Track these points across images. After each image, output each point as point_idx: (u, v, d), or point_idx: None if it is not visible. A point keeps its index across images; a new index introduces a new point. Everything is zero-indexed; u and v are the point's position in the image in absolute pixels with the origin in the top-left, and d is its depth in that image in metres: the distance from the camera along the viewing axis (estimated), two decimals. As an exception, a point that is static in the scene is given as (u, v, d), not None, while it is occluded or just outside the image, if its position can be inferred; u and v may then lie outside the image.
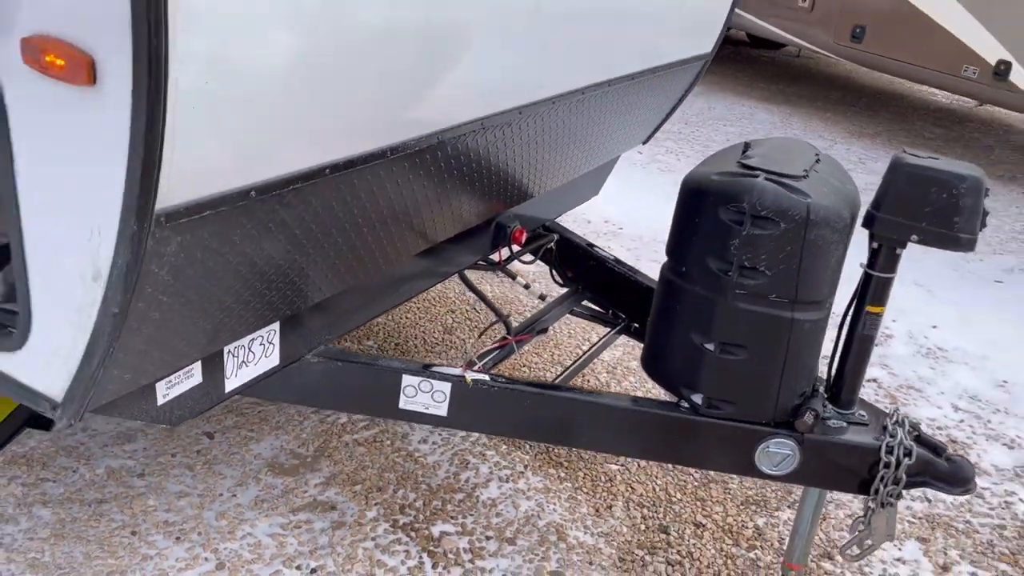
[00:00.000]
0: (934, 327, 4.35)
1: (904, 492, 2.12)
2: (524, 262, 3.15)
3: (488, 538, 2.69)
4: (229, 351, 1.91)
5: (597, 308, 3.07)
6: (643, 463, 3.11)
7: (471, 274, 3.10)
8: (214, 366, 1.90)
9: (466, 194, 2.32)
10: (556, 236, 3.10)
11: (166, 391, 1.78)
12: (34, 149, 1.33)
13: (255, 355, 2.01)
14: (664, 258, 2.22)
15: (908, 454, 2.08)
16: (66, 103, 1.24)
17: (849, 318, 2.14)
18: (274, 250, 1.64)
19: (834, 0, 7.75)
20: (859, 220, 2.06)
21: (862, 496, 2.19)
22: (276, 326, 2.03)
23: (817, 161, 2.14)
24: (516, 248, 2.90)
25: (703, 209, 2.03)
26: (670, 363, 2.22)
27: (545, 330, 2.91)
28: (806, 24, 8.09)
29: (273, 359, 2.08)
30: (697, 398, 2.17)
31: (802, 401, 2.17)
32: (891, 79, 10.34)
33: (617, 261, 3.04)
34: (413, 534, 2.67)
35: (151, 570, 2.44)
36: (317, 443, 3.04)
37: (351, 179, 1.69)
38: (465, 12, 1.78)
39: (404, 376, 2.19)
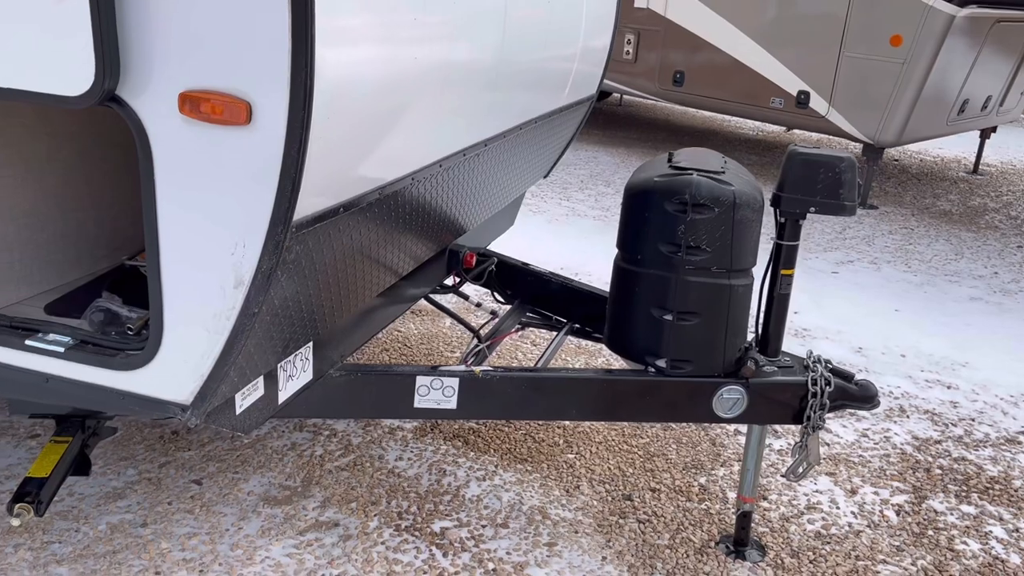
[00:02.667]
0: (795, 312, 5.11)
1: (827, 416, 2.67)
2: (473, 283, 3.54)
3: (484, 526, 3.02)
4: (281, 366, 2.19)
5: (541, 316, 3.50)
6: (595, 449, 3.54)
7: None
8: (271, 380, 2.17)
9: (443, 218, 2.72)
10: (495, 259, 3.52)
11: (241, 402, 2.03)
12: (178, 183, 1.61)
13: (297, 370, 2.28)
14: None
15: (828, 383, 2.64)
16: (221, 142, 1.55)
17: (767, 282, 2.70)
18: (352, 255, 1.97)
19: (653, 51, 8.77)
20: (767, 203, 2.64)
21: (796, 426, 2.73)
22: (311, 344, 2.32)
23: (725, 162, 2.71)
24: (466, 272, 3.29)
25: (651, 205, 2.53)
26: (633, 337, 2.68)
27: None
28: (632, 75, 9.08)
29: (308, 374, 2.36)
30: (661, 363, 2.64)
31: (741, 354, 2.69)
32: (704, 118, 11.65)
33: (553, 274, 3.50)
34: (417, 533, 2.95)
35: (186, 601, 2.58)
36: (302, 475, 3.25)
37: (409, 191, 2.07)
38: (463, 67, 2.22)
39: (418, 378, 2.52)
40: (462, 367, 2.57)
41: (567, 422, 3.72)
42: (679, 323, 2.57)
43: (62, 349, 1.80)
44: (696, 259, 2.50)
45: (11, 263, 2.06)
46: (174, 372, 1.74)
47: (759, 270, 2.71)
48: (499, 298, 3.62)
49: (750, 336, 2.77)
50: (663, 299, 2.56)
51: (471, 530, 2.99)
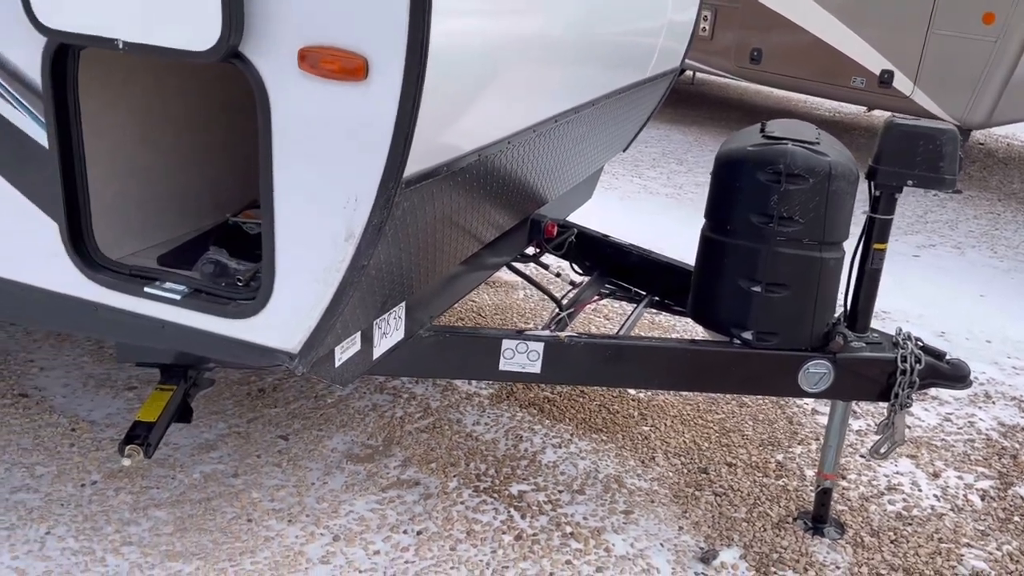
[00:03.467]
0: (875, 295, 5.01)
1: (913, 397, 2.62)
2: (553, 253, 3.57)
3: (560, 492, 3.06)
4: (377, 324, 2.25)
5: (620, 287, 3.51)
6: (669, 423, 3.55)
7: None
8: (367, 336, 2.23)
9: (529, 185, 2.74)
10: (575, 230, 3.54)
11: (341, 355, 2.10)
12: (295, 138, 1.67)
13: (391, 328, 2.34)
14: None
15: (918, 360, 2.60)
16: (338, 97, 1.60)
17: (859, 256, 2.65)
18: (447, 217, 2.01)
19: (731, 28, 8.61)
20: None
21: (883, 403, 2.69)
22: (404, 304, 2.38)
23: (819, 134, 2.67)
24: (547, 241, 3.32)
25: (742, 174, 2.51)
26: (719, 308, 2.67)
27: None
28: (708, 52, 8.92)
29: (400, 333, 2.42)
30: (747, 335, 2.62)
31: (829, 328, 2.66)
32: (779, 98, 11.40)
33: (632, 246, 3.50)
34: (495, 495, 3.01)
35: (276, 547, 2.68)
36: (383, 435, 3.33)
37: (505, 155, 2.10)
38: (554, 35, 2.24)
39: (504, 341, 2.56)
40: (547, 332, 2.60)
41: (641, 394, 3.73)
42: (768, 295, 2.55)
43: (178, 297, 1.89)
44: (788, 230, 2.48)
45: (128, 217, 2.16)
46: (283, 321, 1.81)
47: (850, 244, 2.67)
48: (577, 269, 3.64)
49: (838, 311, 2.74)
50: (752, 270, 2.55)
51: (548, 494, 3.03)
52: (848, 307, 2.71)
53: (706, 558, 2.74)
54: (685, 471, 3.24)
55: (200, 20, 1.60)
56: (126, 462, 2.23)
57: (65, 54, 1.81)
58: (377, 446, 3.26)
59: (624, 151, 4.17)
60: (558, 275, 3.54)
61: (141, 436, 2.27)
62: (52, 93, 1.82)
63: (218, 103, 2.48)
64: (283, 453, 3.18)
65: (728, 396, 3.78)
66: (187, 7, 1.61)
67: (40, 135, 1.89)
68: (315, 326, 1.78)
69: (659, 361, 2.64)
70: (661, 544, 2.83)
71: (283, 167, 1.69)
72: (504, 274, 4.52)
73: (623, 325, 3.12)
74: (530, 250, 3.36)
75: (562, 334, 2.56)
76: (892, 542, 2.91)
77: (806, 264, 2.52)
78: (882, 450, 2.72)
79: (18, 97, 1.86)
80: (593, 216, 5.83)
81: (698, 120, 9.75)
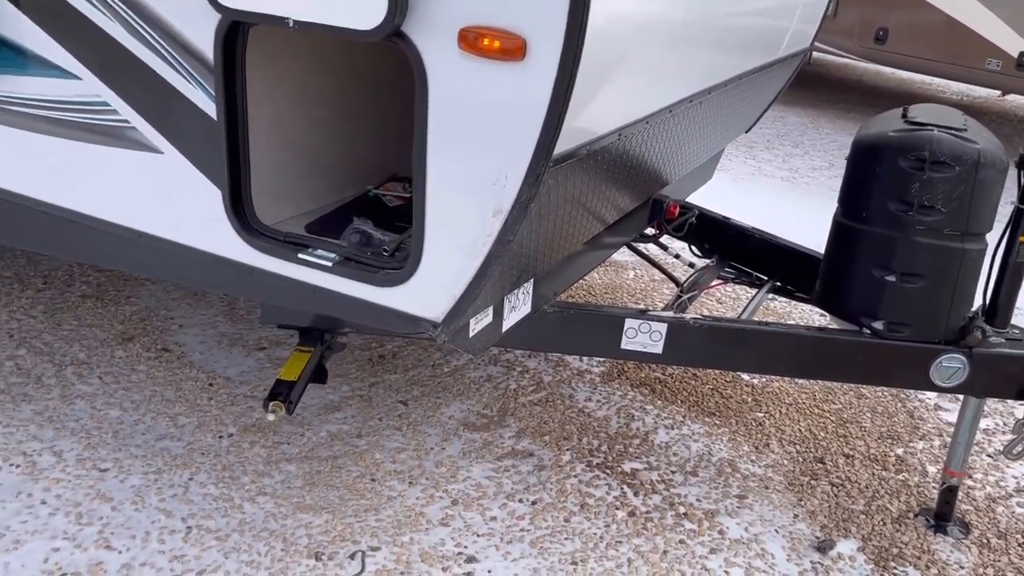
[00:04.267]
0: None
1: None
2: (672, 234, 3.56)
3: (673, 472, 3.08)
4: (507, 297, 2.31)
5: (741, 271, 3.48)
6: (784, 410, 3.50)
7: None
8: (498, 309, 2.29)
9: (657, 165, 2.74)
10: (696, 211, 3.51)
11: (475, 326, 2.17)
12: (450, 115, 1.73)
13: (519, 302, 2.40)
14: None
15: (1062, 359, 2.49)
16: (495, 76, 1.65)
17: (1003, 248, 2.55)
18: (582, 195, 2.05)
19: (855, 6, 8.27)
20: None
21: (1019, 402, 2.59)
22: (532, 280, 2.43)
23: (966, 120, 2.57)
24: (667, 222, 3.31)
25: (883, 160, 2.45)
26: (849, 296, 2.62)
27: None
28: (829, 31, 8.59)
29: (527, 307, 2.47)
30: (878, 324, 2.57)
31: (966, 322, 2.58)
32: (900, 80, 10.89)
33: (755, 229, 3.45)
34: (608, 471, 3.05)
35: (398, 506, 2.81)
36: (498, 405, 3.42)
37: (641, 135, 2.12)
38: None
39: (627, 320, 2.59)
40: (671, 313, 2.61)
41: (755, 380, 3.69)
42: (902, 285, 2.49)
43: (330, 264, 2.00)
44: (928, 219, 2.41)
45: (280, 186, 2.29)
46: (429, 291, 1.89)
47: (993, 236, 2.57)
48: (696, 251, 3.62)
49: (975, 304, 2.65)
50: (887, 259, 2.49)
51: (661, 474, 3.06)
52: (988, 301, 2.62)
53: (823, 547, 2.71)
54: (800, 460, 3.20)
55: (367, 0, 1.68)
56: (271, 417, 2.37)
57: (236, 32, 1.93)
58: (492, 416, 3.35)
59: (746, 132, 4.10)
60: (677, 256, 3.53)
61: (283, 393, 2.41)
62: (223, 68, 1.94)
63: (361, 79, 2.58)
64: (403, 418, 3.30)
65: (845, 386, 3.70)
66: (356, -11, 1.69)
67: (210, 107, 2.02)
68: (459, 297, 1.86)
69: (784, 348, 2.61)
70: (776, 531, 2.82)
71: (437, 144, 1.76)
72: (615, 254, 4.51)
73: (744, 310, 3.10)
74: (649, 230, 3.36)
75: (687, 316, 2.57)
76: (1021, 545, 2.81)
77: (945, 255, 2.44)
78: (1016, 450, 2.63)
79: (193, 72, 1.99)
80: (703, 198, 5.76)
81: (815, 102, 9.45)
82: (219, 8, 1.86)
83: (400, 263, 1.95)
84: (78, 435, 3.02)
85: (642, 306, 4.28)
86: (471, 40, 1.64)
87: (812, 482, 3.08)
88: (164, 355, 3.58)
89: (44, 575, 2.42)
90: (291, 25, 1.79)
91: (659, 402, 3.51)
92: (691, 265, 3.50)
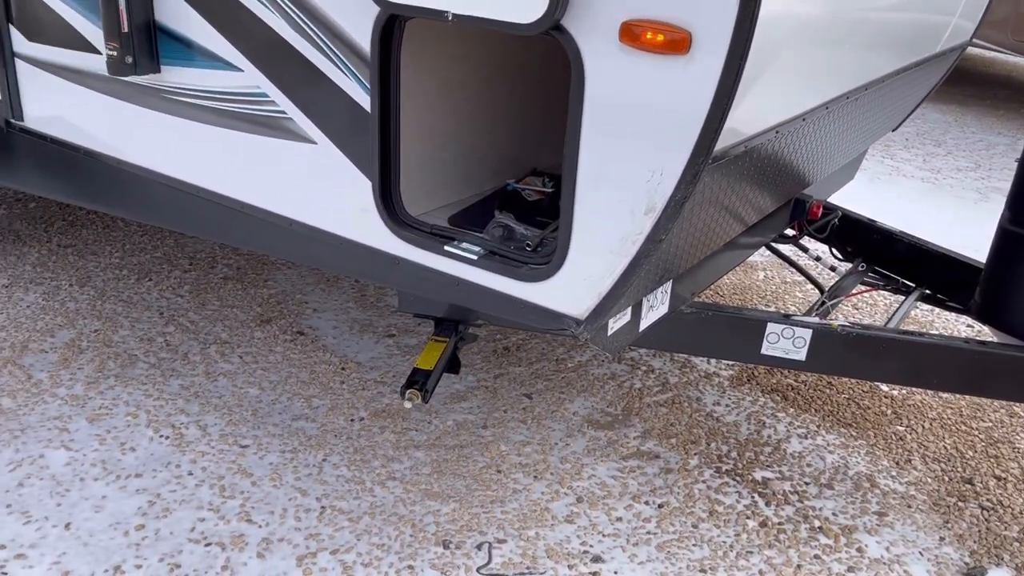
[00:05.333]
0: None
1: None
2: (813, 236, 3.42)
3: (807, 483, 2.96)
4: (646, 297, 2.26)
5: (886, 277, 3.30)
6: (928, 425, 3.31)
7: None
8: (636, 308, 2.25)
9: (806, 164, 2.63)
10: (839, 212, 3.36)
11: (613, 325, 2.13)
12: (606, 110, 1.70)
13: (657, 302, 2.35)
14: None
15: None
16: (656, 70, 1.61)
17: None
18: (730, 193, 1.98)
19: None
20: None
21: None
22: (671, 280, 2.37)
23: None
24: (809, 223, 3.17)
25: (1062, 165, 2.26)
26: (1017, 309, 2.44)
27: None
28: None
29: (664, 307, 2.42)
30: (1047, 340, 2.38)
31: None
32: (1058, 76, 10.12)
33: (903, 233, 3.27)
34: (738, 479, 2.96)
35: (523, 500, 2.81)
36: (622, 404, 3.38)
37: (797, 133, 2.04)
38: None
39: (769, 324, 2.49)
40: (816, 319, 2.50)
41: (895, 391, 3.51)
42: (1078, 299, 2.29)
43: (475, 257, 2.01)
44: (1113, 229, 2.21)
45: (425, 178, 2.32)
46: (574, 288, 1.87)
47: None
48: (837, 254, 3.46)
49: None
50: (1061, 270, 2.30)
51: (794, 485, 2.94)
52: None
53: (973, 575, 2.55)
54: (946, 479, 3.02)
55: (529, -7, 1.67)
56: (407, 404, 2.41)
57: (393, 25, 1.96)
58: (617, 414, 3.31)
59: (893, 131, 3.89)
60: (818, 259, 3.38)
61: (420, 382, 2.44)
62: (379, 61, 1.97)
63: (502, 72, 2.58)
64: (527, 411, 3.31)
65: (995, 403, 3.47)
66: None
67: (364, 100, 2.06)
68: (605, 295, 1.83)
69: (940, 361, 2.46)
70: (920, 553, 2.66)
71: (591, 138, 1.73)
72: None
73: (891, 318, 2.94)
74: (789, 231, 3.24)
75: (834, 322, 2.46)
76: None
77: None
78: None
79: (349, 65, 2.04)
80: (836, 199, 5.52)
81: (959, 98, 8.90)
82: (379, 2, 1.89)
83: (544, 258, 1.93)
84: (221, 411, 3.17)
85: (777, 309, 4.14)
86: (633, 34, 1.60)
87: (959, 504, 2.89)
88: (299, 338, 3.71)
89: (190, 543, 2.55)
90: (449, 18, 1.80)
91: (792, 410, 3.38)
92: (832, 269, 3.35)
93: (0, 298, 3.83)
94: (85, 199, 2.95)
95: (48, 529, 2.55)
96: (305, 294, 4.07)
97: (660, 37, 1.57)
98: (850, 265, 3.36)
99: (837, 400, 3.45)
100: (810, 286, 4.45)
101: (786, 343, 2.50)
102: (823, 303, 2.95)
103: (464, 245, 2.05)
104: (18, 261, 4.19)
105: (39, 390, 3.22)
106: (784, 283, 4.52)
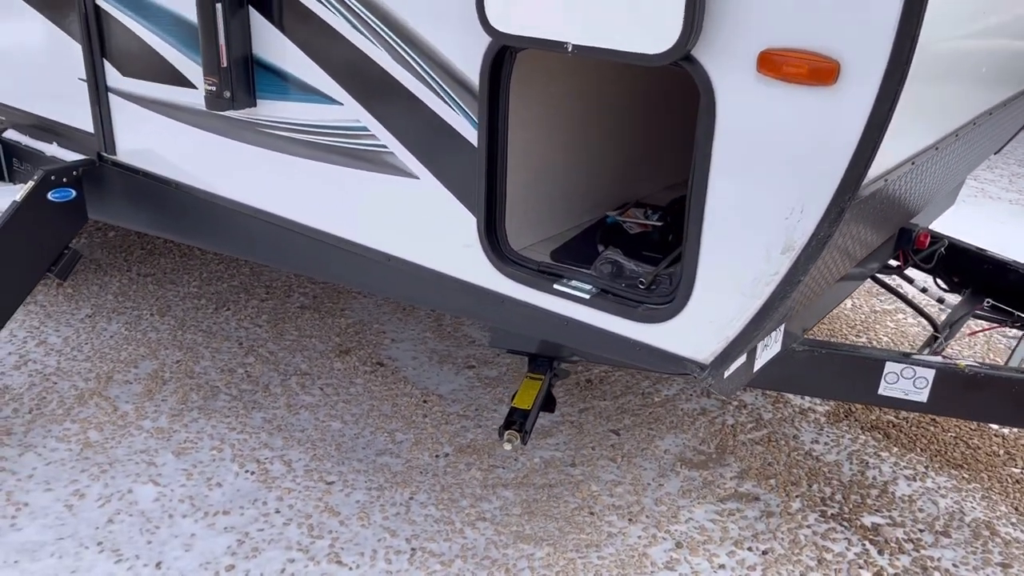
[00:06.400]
0: None
1: None
2: (920, 266, 3.25)
3: (921, 530, 2.78)
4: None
5: (1000, 309, 3.12)
6: (1045, 467, 3.11)
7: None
8: (751, 349, 2.13)
9: (921, 192, 2.48)
10: (945, 241, 3.19)
11: (730, 367, 2.01)
12: (739, 143, 1.60)
13: (771, 341, 2.23)
14: None
15: None
16: (798, 102, 1.50)
17: None
18: (862, 224, 1.85)
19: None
20: None
21: None
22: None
23: None
24: (915, 252, 3.01)
25: None
26: None
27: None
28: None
29: (777, 346, 2.29)
30: None
31: None
32: None
33: (1016, 263, 3.09)
34: (846, 524, 2.80)
35: (620, 545, 2.69)
36: (715, 442, 3.24)
37: (929, 163, 1.91)
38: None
39: (887, 363, 2.34)
40: (939, 358, 2.35)
41: (1006, 430, 3.30)
42: None
43: (587, 296, 1.92)
44: None
45: (528, 212, 2.24)
46: (698, 331, 1.77)
47: None
48: (942, 284, 3.28)
49: None
50: None
51: (907, 532, 2.77)
52: None
53: (1117, 638, 2.34)
54: (1072, 528, 2.81)
55: (659, 23, 1.58)
56: (507, 447, 2.32)
57: (503, 57, 1.89)
58: (710, 453, 3.17)
59: (996, 153, 3.71)
60: (924, 290, 3.21)
61: (518, 422, 2.35)
62: (488, 94, 1.90)
63: (605, 102, 2.50)
64: (616, 448, 3.19)
65: (1118, 444, 3.24)
66: (647, 11, 1.60)
67: (470, 133, 1.99)
68: (733, 339, 1.72)
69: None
70: (1054, 610, 2.47)
71: (721, 173, 1.63)
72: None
73: (1011, 355, 2.76)
74: (892, 261, 3.08)
75: (960, 362, 2.30)
76: None
77: None
78: None
79: (455, 98, 1.98)
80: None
81: (1042, 115, 8.55)
82: (491, 32, 1.82)
83: (663, 298, 1.83)
84: (304, 445, 3.12)
85: (868, 340, 3.96)
86: (773, 63, 1.50)
87: (1090, 555, 2.69)
88: (379, 369, 3.65)
89: (282, 585, 2.49)
90: (569, 50, 1.72)
91: (895, 448, 3.21)
92: (940, 301, 3.18)
93: (84, 328, 3.86)
94: (178, 233, 2.94)
95: (140, 568, 2.52)
96: (382, 323, 4.03)
97: (804, 67, 1.47)
98: (958, 296, 3.18)
99: (943, 439, 3.27)
100: (902, 315, 4.27)
101: (906, 383, 2.35)
102: (936, 338, 2.79)
103: (574, 283, 1.96)
104: (100, 290, 4.23)
105: (125, 423, 3.21)
106: (873, 312, 4.34)
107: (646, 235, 2.37)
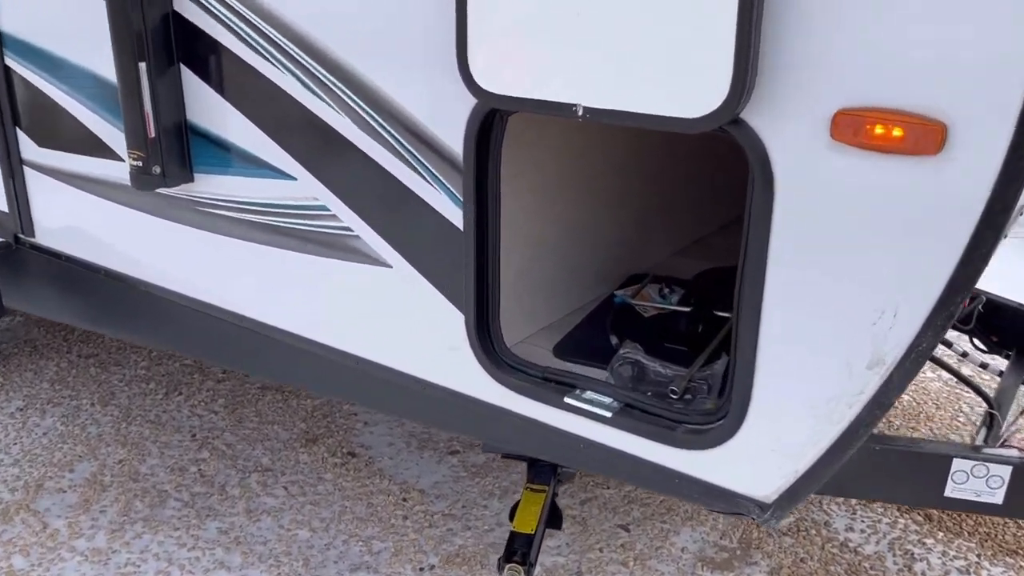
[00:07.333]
0: None
1: None
2: (960, 327, 2.92)
3: (987, 639, 2.41)
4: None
5: (1050, 375, 2.78)
6: (1109, 550, 2.75)
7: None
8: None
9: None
10: (983, 297, 2.86)
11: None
12: (808, 225, 1.25)
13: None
14: None
15: None
16: (886, 174, 1.15)
17: None
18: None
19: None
20: None
21: None
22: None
23: None
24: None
25: None
26: None
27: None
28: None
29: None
30: None
31: None
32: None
33: (1065, 321, 2.76)
34: (900, 636, 2.42)
35: None
36: (738, 534, 2.85)
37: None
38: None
39: (955, 460, 1.98)
40: (1015, 451, 1.99)
41: (1057, 506, 2.95)
42: None
43: (608, 414, 1.53)
44: None
45: (519, 297, 1.86)
46: (756, 461, 1.39)
47: None
48: (980, 345, 2.94)
49: None
50: None
51: (972, 642, 2.39)
52: None
53: None
54: None
55: (699, 79, 1.23)
56: (508, 584, 1.91)
57: (492, 121, 1.53)
58: (734, 549, 2.78)
59: None
60: (964, 355, 2.87)
61: (520, 551, 1.95)
62: (475, 167, 1.53)
63: (603, 166, 2.14)
64: (627, 548, 2.79)
65: None
66: (683, 63, 1.24)
67: (453, 213, 1.62)
68: (804, 472, 1.35)
69: None
70: None
71: (783, 264, 1.27)
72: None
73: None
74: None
75: (1042, 457, 1.94)
76: None
77: None
78: None
79: (434, 171, 1.61)
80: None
81: None
82: (477, 92, 1.46)
83: (705, 417, 1.45)
84: (267, 562, 2.69)
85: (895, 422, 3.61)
86: (852, 127, 1.15)
87: None
88: (351, 461, 3.23)
89: None
90: (579, 114, 1.36)
91: (940, 534, 2.84)
92: (983, 366, 2.84)
93: (14, 425, 3.40)
94: (110, 327, 2.54)
95: None
96: (353, 405, 3.60)
97: (896, 130, 1.12)
98: (1001, 359, 2.84)
99: (990, 520, 2.90)
100: (942, 383, 3.90)
101: (977, 483, 1.99)
102: (993, 416, 2.43)
103: (590, 395, 1.58)
104: (35, 378, 3.77)
105: (56, 543, 2.76)
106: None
107: (666, 319, 2.00)
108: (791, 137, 1.22)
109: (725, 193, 2.97)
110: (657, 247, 2.42)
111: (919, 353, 1.20)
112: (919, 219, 1.16)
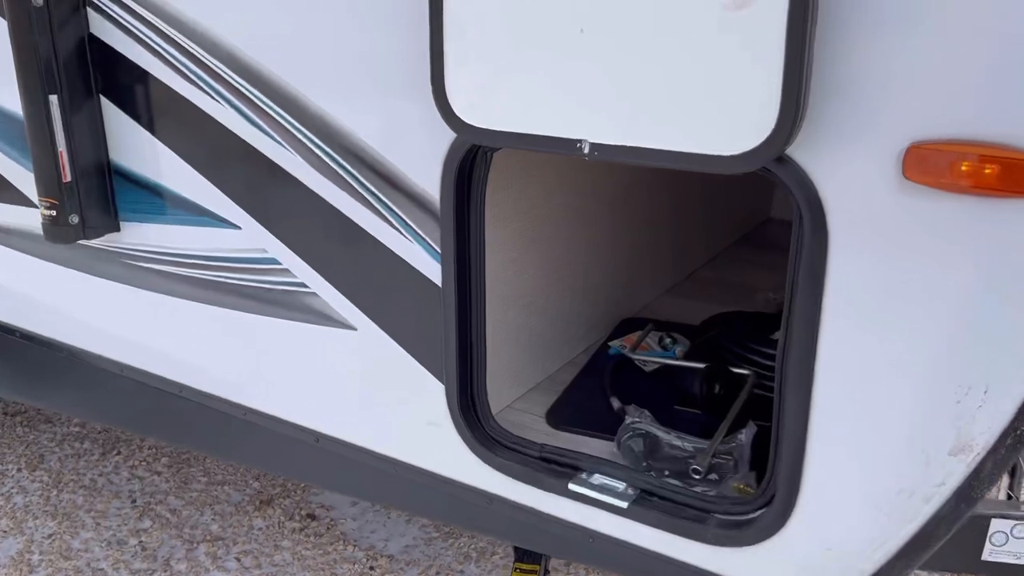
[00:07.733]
0: None
1: None
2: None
3: None
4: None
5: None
6: None
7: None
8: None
9: None
10: None
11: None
12: (871, 279, 1.02)
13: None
14: None
15: None
16: (976, 219, 0.93)
17: None
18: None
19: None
20: None
21: None
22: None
23: None
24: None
25: None
26: None
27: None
28: None
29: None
30: None
31: None
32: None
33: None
34: None
35: None
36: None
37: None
38: None
39: (993, 521, 1.78)
40: (1056, 508, 1.79)
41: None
42: None
43: (624, 504, 1.29)
44: None
45: (505, 357, 1.62)
46: (809, 563, 1.15)
47: None
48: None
49: None
50: None
51: None
52: None
53: None
54: None
55: (737, 111, 1.00)
56: None
57: (474, 159, 1.28)
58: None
59: None
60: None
61: (513, 647, 1.69)
62: (453, 212, 1.28)
63: (588, 204, 1.90)
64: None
65: None
66: (717, 90, 1.01)
67: (430, 267, 1.37)
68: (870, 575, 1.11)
69: None
70: None
71: (838, 321, 1.05)
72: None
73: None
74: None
75: (1092, 516, 1.74)
76: None
77: None
78: None
79: (406, 220, 1.35)
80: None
81: None
82: (456, 126, 1.21)
83: (741, 507, 1.21)
84: (219, 655, 2.38)
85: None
86: (929, 163, 0.94)
87: None
88: (310, 524, 2.93)
89: None
90: (585, 151, 1.12)
91: (951, 582, 2.64)
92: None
93: (-72, 498, 3.04)
94: (30, 396, 2.22)
95: None
96: (312, 459, 3.31)
97: (990, 168, 0.91)
98: None
99: None
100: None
101: (1018, 544, 1.78)
102: (1015, 471, 2.25)
103: (599, 480, 1.33)
104: (-47, 442, 3.40)
105: (-27, 641, 2.41)
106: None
107: (673, 375, 1.75)
108: (850, 176, 1.00)
109: (712, 222, 2.76)
110: (648, 287, 2.19)
111: (1016, 438, 0.98)
112: (1014, 274, 0.94)
